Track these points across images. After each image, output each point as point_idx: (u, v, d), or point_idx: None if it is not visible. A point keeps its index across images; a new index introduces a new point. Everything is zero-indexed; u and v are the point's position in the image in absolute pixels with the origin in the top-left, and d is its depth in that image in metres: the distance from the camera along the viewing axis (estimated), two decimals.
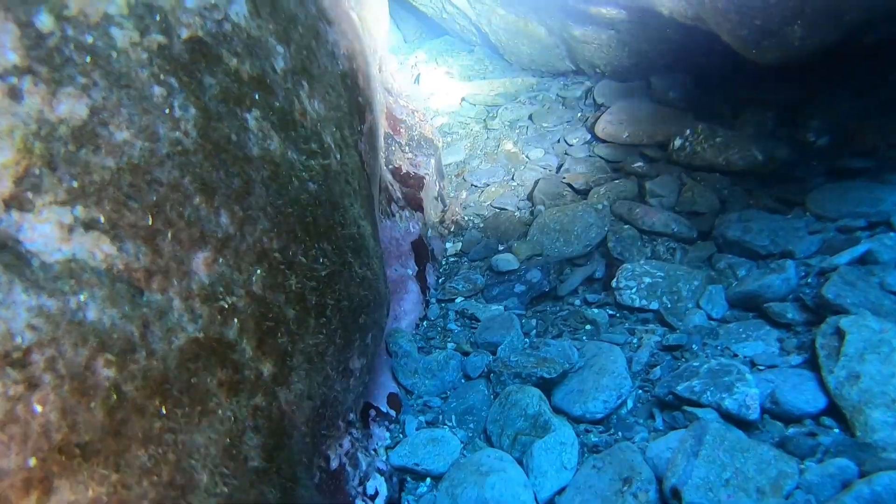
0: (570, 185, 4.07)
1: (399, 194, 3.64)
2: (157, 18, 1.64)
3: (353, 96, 2.65)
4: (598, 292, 3.22)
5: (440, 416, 2.61)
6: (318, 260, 1.97)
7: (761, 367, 2.40)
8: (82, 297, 1.27)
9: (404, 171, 3.97)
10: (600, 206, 3.61)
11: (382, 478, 2.39)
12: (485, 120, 5.87)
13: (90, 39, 1.46)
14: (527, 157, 4.76)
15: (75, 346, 1.22)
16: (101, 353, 1.26)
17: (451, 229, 3.94)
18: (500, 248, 3.68)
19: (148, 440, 1.33)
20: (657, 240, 3.45)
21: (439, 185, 4.28)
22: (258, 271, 1.72)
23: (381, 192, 3.36)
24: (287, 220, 1.85)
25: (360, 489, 2.27)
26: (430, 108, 6.42)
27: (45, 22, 1.37)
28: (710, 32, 3.89)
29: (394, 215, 3.42)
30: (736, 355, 2.51)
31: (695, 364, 2.37)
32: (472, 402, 2.61)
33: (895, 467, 1.88)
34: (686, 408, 2.24)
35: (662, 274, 3.04)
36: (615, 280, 3.09)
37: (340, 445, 2.20)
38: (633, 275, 3.06)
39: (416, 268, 3.36)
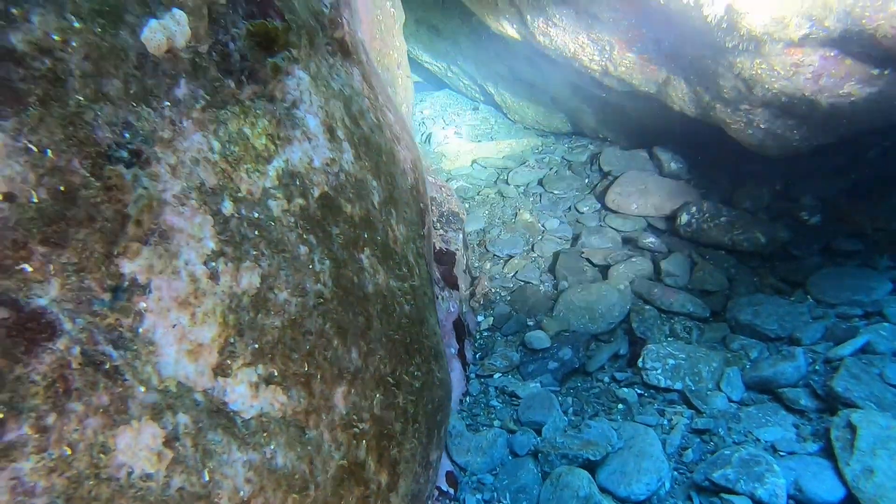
0: (588, 260, 4.42)
1: (437, 275, 3.95)
2: (298, 183, 1.95)
3: (418, 206, 2.97)
4: (625, 370, 3.55)
5: (495, 494, 2.89)
6: (415, 374, 2.27)
7: (782, 454, 2.74)
8: (273, 446, 1.55)
9: (437, 248, 4.29)
10: (622, 287, 3.96)
11: None
12: (496, 183, 6.25)
13: (256, 215, 1.77)
14: (543, 226, 5.12)
15: (274, 492, 1.50)
16: (290, 493, 1.54)
17: (482, 303, 4.25)
18: (530, 322, 4.00)
19: None
20: (675, 318, 3.81)
21: (466, 258, 4.60)
22: (377, 395, 2.01)
23: None
24: (395, 346, 2.15)
25: None
26: (442, 169, 6.79)
27: (227, 207, 1.67)
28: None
29: (436, 297, 3.72)
30: (758, 440, 2.85)
31: (726, 452, 2.70)
32: (524, 481, 2.90)
33: None
34: (723, 494, 2.57)
35: (684, 356, 3.38)
36: (641, 360, 3.43)
37: None
38: (657, 356, 3.40)
39: (458, 346, 3.66)
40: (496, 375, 3.63)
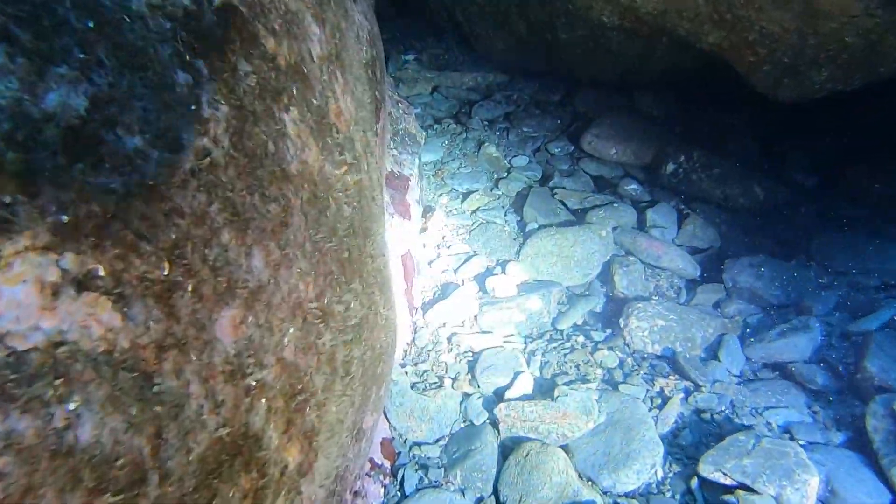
0: (562, 203, 3.79)
1: (388, 198, 3.22)
2: None
3: (373, 92, 2.21)
4: (603, 329, 2.96)
5: (442, 472, 2.26)
6: (350, 305, 1.56)
7: (802, 442, 2.22)
8: (72, 407, 0.82)
9: (389, 169, 3.55)
10: (604, 233, 3.35)
11: None
12: (457, 115, 5.51)
13: None
14: (510, 163, 4.44)
15: (61, 494, 0.77)
16: (100, 496, 0.82)
17: (436, 239, 3.56)
18: (492, 265, 3.34)
19: None
20: (661, 275, 3.23)
21: (420, 187, 3.88)
22: (291, 330, 1.29)
23: None
24: (324, 259, 1.43)
25: None
26: (401, 95, 5.98)
27: None
28: (707, 56, 3.73)
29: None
30: (770, 424, 2.32)
31: (743, 439, 2.14)
32: (480, 457, 2.27)
33: None
34: (740, 492, 2.01)
35: (675, 317, 2.82)
36: (624, 319, 2.84)
37: None
38: (645, 315, 2.82)
39: (405, 284, 2.97)
40: (448, 324, 2.97)
